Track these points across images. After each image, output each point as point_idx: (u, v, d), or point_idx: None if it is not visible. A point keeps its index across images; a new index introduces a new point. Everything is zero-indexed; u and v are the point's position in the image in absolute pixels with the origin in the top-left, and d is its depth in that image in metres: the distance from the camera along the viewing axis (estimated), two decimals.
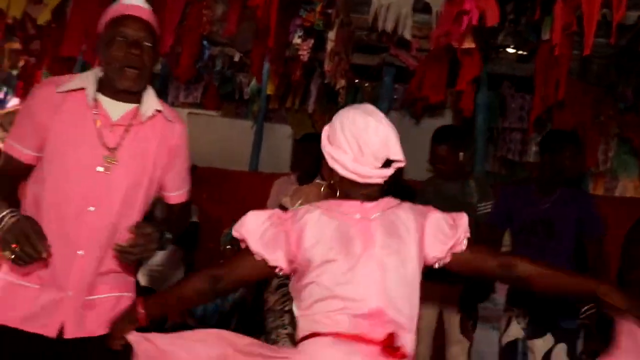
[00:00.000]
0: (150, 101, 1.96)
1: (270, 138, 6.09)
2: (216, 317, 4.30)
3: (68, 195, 1.84)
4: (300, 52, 3.87)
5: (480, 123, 4.89)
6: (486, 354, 3.91)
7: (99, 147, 1.87)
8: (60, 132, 1.86)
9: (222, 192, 5.42)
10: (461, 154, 3.39)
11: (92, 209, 1.85)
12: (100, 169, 1.86)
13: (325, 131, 1.78)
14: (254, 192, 4.86)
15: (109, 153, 1.88)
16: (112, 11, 1.90)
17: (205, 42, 5.20)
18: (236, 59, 5.41)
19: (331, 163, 1.74)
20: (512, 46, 4.48)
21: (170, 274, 4.54)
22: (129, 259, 1.78)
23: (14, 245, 1.50)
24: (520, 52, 4.55)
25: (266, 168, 5.70)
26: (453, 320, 3.46)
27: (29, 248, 1.49)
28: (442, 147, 3.37)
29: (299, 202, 3.32)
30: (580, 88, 4.71)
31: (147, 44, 1.88)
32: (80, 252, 1.85)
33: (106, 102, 1.91)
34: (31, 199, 1.89)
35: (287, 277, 1.75)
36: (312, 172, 3.48)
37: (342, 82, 3.99)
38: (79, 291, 1.87)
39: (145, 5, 1.93)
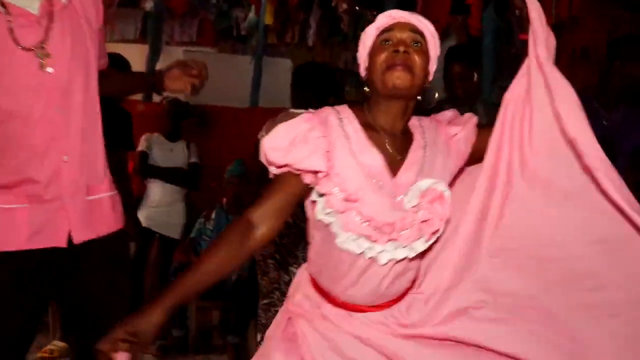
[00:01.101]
0: None
1: (271, 73, 5.93)
2: None
3: (26, 109, 1.71)
4: None
5: (487, 46, 4.70)
6: None
7: (31, 47, 1.69)
8: None
9: (223, 129, 5.30)
10: (475, 74, 3.26)
11: (57, 110, 1.74)
12: (47, 69, 1.71)
13: None
14: (255, 127, 4.71)
15: (41, 50, 1.70)
16: None
17: None
18: None
19: None
20: None
21: (171, 214, 4.47)
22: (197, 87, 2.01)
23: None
24: None
25: (267, 103, 5.58)
26: None
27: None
28: (458, 65, 3.24)
29: None
30: (594, 4, 4.49)
31: None
32: (65, 158, 1.76)
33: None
34: None
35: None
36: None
37: (343, 6, 3.80)
38: (76, 195, 1.79)
39: None
